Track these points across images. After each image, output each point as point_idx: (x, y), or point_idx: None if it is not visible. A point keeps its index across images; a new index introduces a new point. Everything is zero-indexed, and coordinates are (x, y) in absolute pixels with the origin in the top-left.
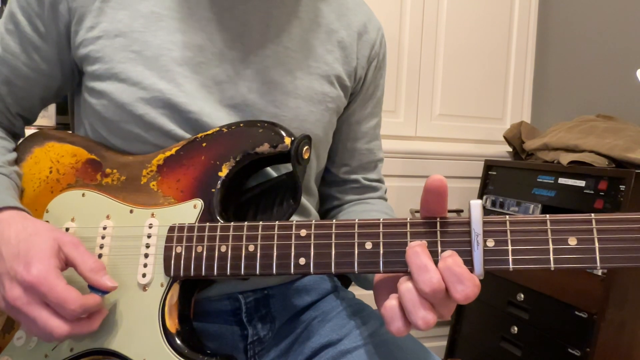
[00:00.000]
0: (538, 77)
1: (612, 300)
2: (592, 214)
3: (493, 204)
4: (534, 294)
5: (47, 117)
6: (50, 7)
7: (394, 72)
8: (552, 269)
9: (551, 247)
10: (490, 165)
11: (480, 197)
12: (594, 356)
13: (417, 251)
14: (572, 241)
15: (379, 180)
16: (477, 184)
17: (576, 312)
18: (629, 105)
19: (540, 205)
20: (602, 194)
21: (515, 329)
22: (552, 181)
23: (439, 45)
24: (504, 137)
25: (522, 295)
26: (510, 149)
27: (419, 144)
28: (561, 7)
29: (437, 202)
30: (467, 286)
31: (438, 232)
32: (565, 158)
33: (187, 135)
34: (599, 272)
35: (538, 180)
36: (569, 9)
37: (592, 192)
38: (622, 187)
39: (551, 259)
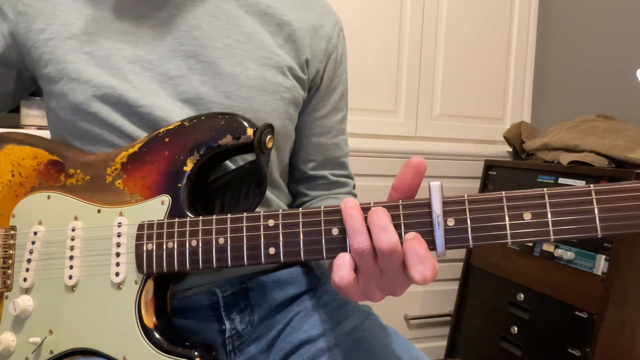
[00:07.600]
0: (538, 77)
1: (612, 300)
2: (545, 189)
3: None
4: (534, 294)
5: (41, 117)
6: None
7: (394, 72)
8: (510, 243)
9: (507, 222)
10: (490, 165)
11: None
12: (594, 356)
13: (352, 215)
14: (527, 216)
15: (347, 176)
16: (477, 184)
17: (576, 312)
18: (629, 105)
19: None
20: None
21: (515, 329)
22: (552, 181)
23: (439, 45)
24: (504, 137)
25: (522, 295)
26: (510, 149)
27: (419, 144)
28: (561, 7)
29: (413, 178)
30: (426, 268)
31: (401, 215)
32: (565, 158)
33: (140, 131)
34: (599, 272)
35: (538, 180)
36: (569, 9)
37: None
38: None
39: (508, 234)
